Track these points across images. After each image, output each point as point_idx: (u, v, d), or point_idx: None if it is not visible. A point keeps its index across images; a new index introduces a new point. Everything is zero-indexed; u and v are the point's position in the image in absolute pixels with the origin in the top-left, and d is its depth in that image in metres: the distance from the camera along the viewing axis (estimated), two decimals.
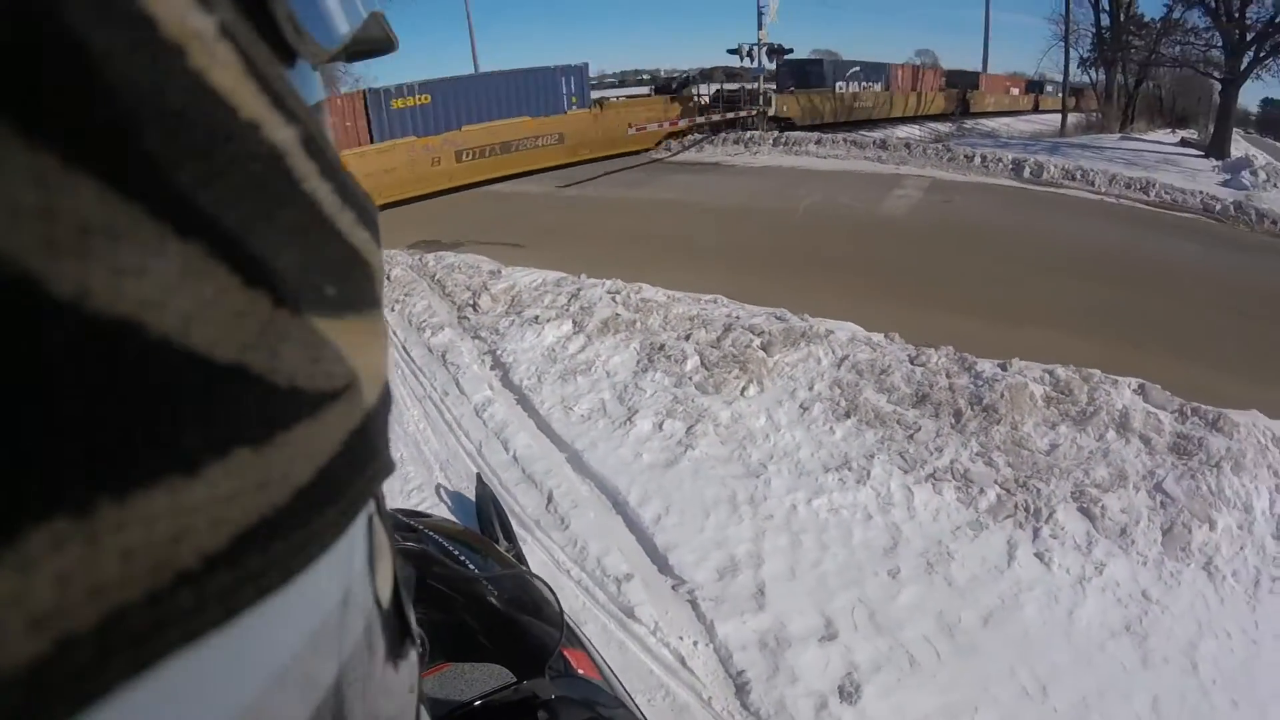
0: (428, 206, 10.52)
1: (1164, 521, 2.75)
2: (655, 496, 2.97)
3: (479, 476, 2.95)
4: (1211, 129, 17.88)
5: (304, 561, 0.17)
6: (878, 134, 17.12)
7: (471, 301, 5.15)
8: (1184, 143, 19.22)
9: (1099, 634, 2.34)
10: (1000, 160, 12.79)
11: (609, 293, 4.86)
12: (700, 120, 16.67)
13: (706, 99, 17.46)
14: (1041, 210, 9.62)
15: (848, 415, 3.50)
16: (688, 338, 4.23)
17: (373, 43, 0.30)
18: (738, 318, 4.45)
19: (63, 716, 0.11)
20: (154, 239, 0.12)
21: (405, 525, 1.24)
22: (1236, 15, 15.69)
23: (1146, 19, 20.53)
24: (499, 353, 4.34)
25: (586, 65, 14.68)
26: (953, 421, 3.39)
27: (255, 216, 0.15)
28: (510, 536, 2.44)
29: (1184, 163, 14.47)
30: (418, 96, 12.06)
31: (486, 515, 2.55)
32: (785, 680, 2.14)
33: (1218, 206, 10.25)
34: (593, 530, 2.80)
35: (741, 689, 2.14)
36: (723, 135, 16.17)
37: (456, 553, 1.18)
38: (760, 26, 16.97)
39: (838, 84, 20.95)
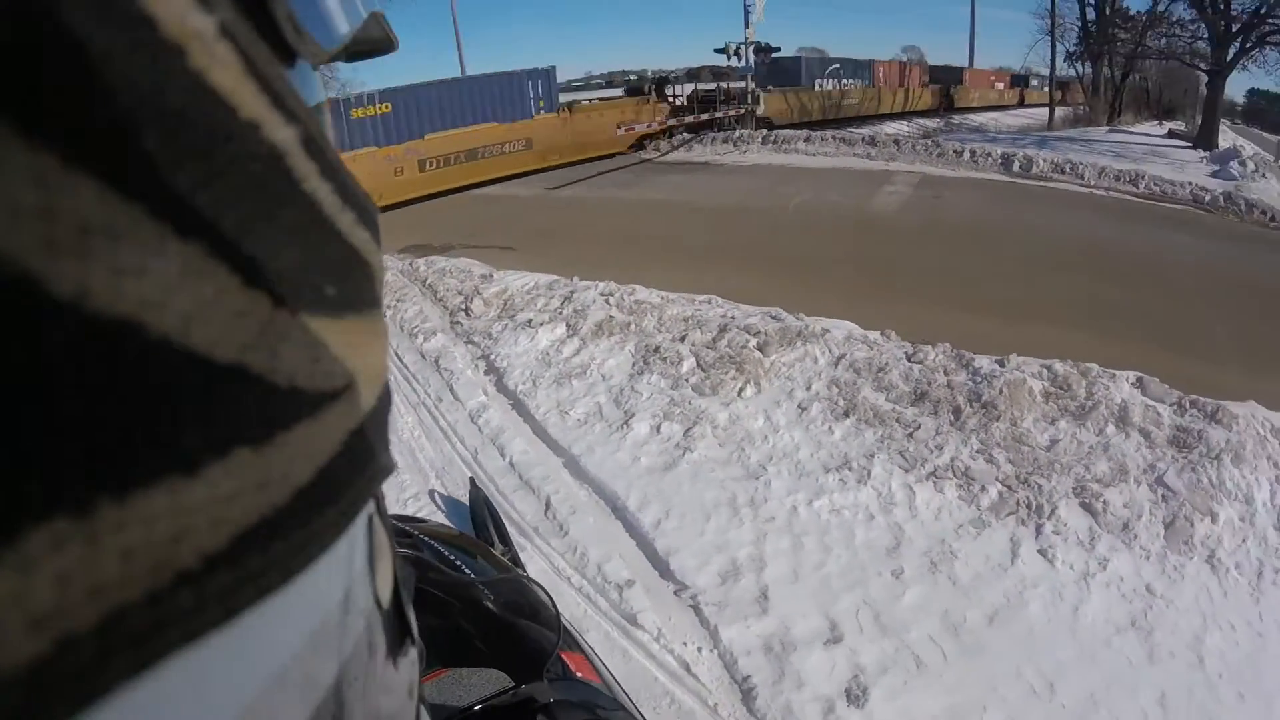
0: (415, 211, 10.48)
1: (1166, 515, 2.75)
2: (654, 500, 2.96)
3: (472, 480, 2.93)
4: (1199, 120, 18.04)
5: (304, 561, 0.17)
6: (866, 130, 17.17)
7: (464, 306, 5.12)
8: (1171, 134, 19.39)
9: (1104, 630, 2.34)
10: (989, 155, 12.86)
11: (602, 295, 4.85)
12: (674, 122, 16.40)
13: (681, 100, 17.26)
14: (1032, 204, 9.66)
15: (846, 415, 3.50)
16: (683, 339, 4.21)
17: (373, 43, 0.30)
18: (733, 318, 4.44)
19: (63, 716, 0.11)
20: (154, 239, 0.12)
21: (400, 531, 1.24)
22: (1222, 7, 15.86)
23: (1132, 12, 20.73)
24: (492, 357, 4.32)
25: (554, 69, 14.34)
26: (952, 419, 3.39)
27: (255, 216, 0.15)
28: (505, 540, 2.43)
29: (1172, 154, 14.59)
30: (378, 105, 11.70)
31: (481, 519, 2.54)
32: (791, 685, 2.13)
33: (1207, 197, 10.33)
34: (592, 536, 2.78)
35: (747, 695, 2.12)
36: (711, 135, 16.08)
37: (452, 558, 1.19)
38: (747, 25, 16.97)
39: (816, 81, 20.84)
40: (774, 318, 4.41)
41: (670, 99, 17.05)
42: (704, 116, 16.78)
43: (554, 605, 1.04)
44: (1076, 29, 23.14)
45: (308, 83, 0.22)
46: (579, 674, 1.00)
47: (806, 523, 2.82)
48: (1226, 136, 17.84)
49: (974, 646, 2.27)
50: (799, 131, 15.73)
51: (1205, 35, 16.91)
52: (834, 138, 14.78)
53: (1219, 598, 2.46)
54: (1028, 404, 3.39)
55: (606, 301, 4.73)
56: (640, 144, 15.45)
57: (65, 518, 0.11)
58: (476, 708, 0.86)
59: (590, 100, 17.53)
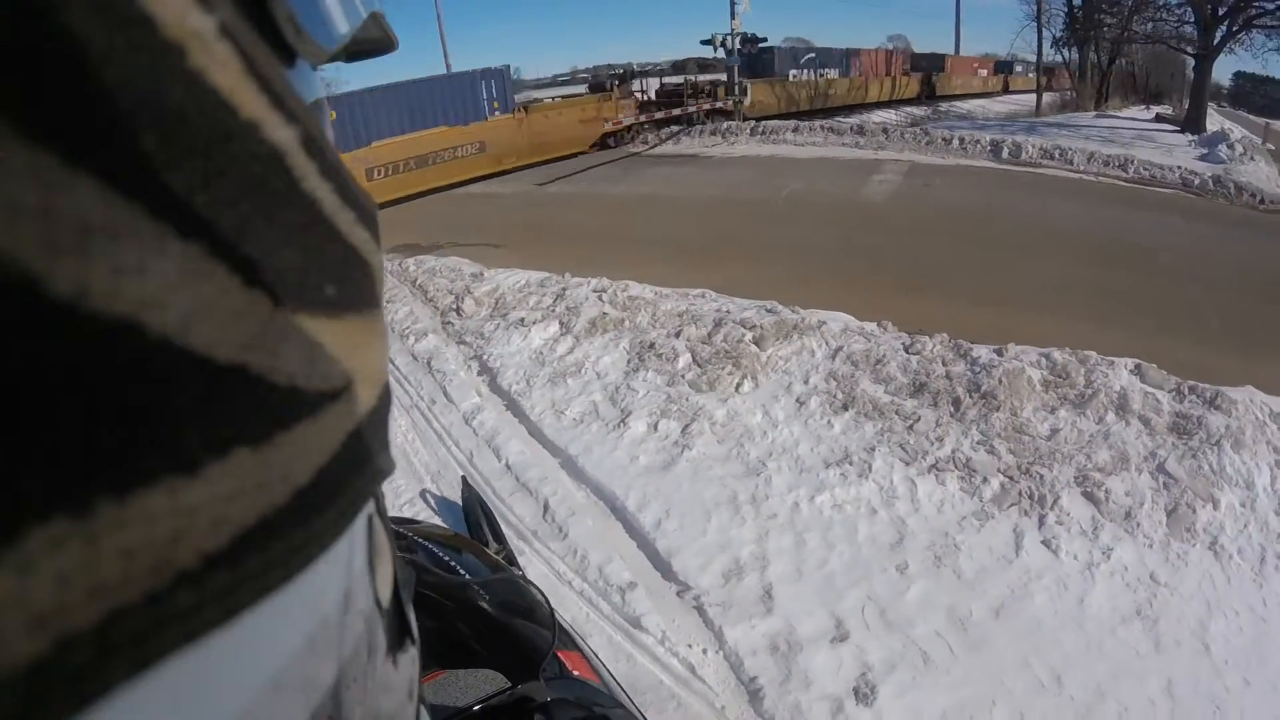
0: (403, 210, 10.41)
1: (1168, 502, 2.76)
2: (654, 500, 2.95)
3: (464, 479, 2.91)
4: (1186, 104, 18.16)
5: (304, 561, 0.17)
6: (854, 120, 17.18)
7: (455, 306, 5.09)
8: (1159, 118, 19.49)
9: (1110, 620, 2.34)
10: (978, 142, 12.88)
11: (595, 291, 4.83)
12: (644, 118, 15.94)
13: (646, 95, 16.87)
14: (1022, 191, 9.68)
15: (845, 408, 3.49)
16: (678, 335, 4.20)
17: (372, 43, 0.30)
18: (728, 312, 4.43)
19: (63, 716, 0.11)
20: (154, 239, 0.12)
21: (395, 533, 1.23)
22: None
23: None
24: (485, 357, 4.29)
25: (508, 67, 13.85)
26: (952, 410, 3.39)
27: (255, 216, 0.15)
28: (500, 538, 2.42)
29: (1160, 138, 14.67)
30: None
31: (474, 518, 2.53)
32: (799, 685, 2.12)
33: (1196, 181, 10.38)
34: (592, 538, 2.77)
35: (754, 696, 2.11)
36: (700, 127, 15.98)
37: (447, 559, 1.20)
38: (733, 16, 16.89)
39: (791, 72, 20.52)
40: (769, 311, 4.41)
41: (636, 94, 16.58)
42: (675, 112, 16.36)
43: (549, 604, 1.05)
44: (1063, 14, 23.23)
45: (308, 83, 0.22)
46: (576, 672, 1.00)
47: (808, 519, 2.82)
48: (1214, 120, 17.96)
49: (981, 640, 2.27)
50: (787, 122, 15.64)
51: (1192, 19, 16.99)
52: (822, 127, 14.77)
53: (1222, 584, 2.47)
54: (1027, 393, 3.40)
55: (599, 298, 4.71)
56: (604, 143, 14.91)
57: (65, 518, 0.11)
58: (476, 708, 0.86)
59: (554, 98, 17.01)
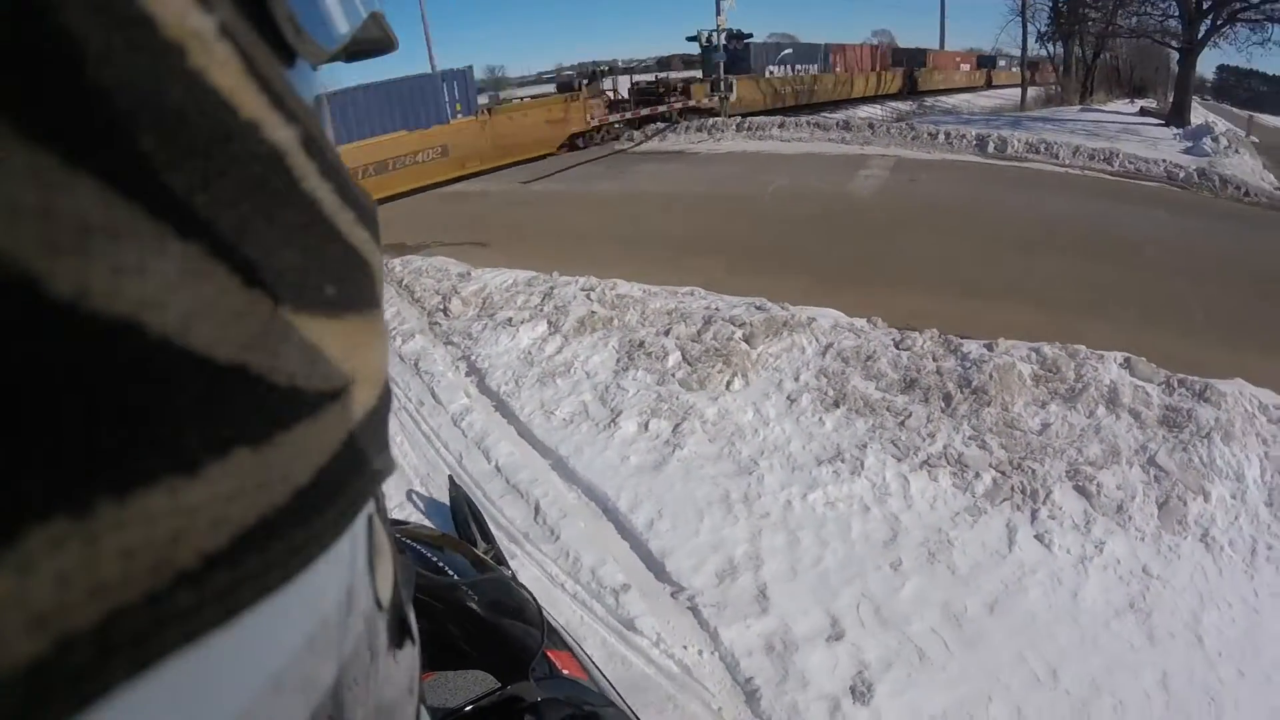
0: (387, 209, 10.37)
1: (1159, 495, 2.79)
2: (646, 500, 2.94)
3: (451, 479, 2.90)
4: (1170, 98, 18.37)
5: (304, 561, 0.17)
6: (840, 115, 17.20)
7: (442, 306, 5.07)
8: (1143, 112, 19.71)
9: (1104, 613, 2.36)
10: (964, 136, 12.97)
11: (583, 290, 4.82)
12: (615, 118, 15.64)
13: (618, 94, 16.56)
14: (1008, 185, 9.75)
15: (836, 405, 3.50)
16: (667, 333, 4.20)
17: (372, 43, 0.30)
18: (717, 309, 4.43)
19: (63, 716, 0.11)
20: (154, 239, 0.12)
21: None
22: None
23: None
24: (473, 358, 4.28)
25: (470, 68, 13.47)
26: (943, 405, 3.40)
27: (255, 216, 0.15)
28: (488, 538, 2.42)
29: (1145, 132, 14.81)
30: None
31: (462, 518, 2.53)
32: (795, 684, 2.12)
33: (1181, 174, 10.49)
34: (584, 540, 2.76)
35: (751, 697, 2.12)
36: (685, 124, 15.96)
37: (435, 559, 1.20)
38: (719, 12, 16.88)
39: (768, 69, 20.22)
40: (759, 308, 4.41)
41: (607, 93, 16.28)
42: (645, 111, 16.14)
43: (537, 603, 1.05)
44: (1048, 9, 23.44)
45: (308, 83, 0.22)
46: (565, 671, 1.01)
47: (802, 517, 2.82)
48: (1198, 113, 18.20)
49: (976, 636, 2.28)
50: (773, 118, 15.67)
51: (1176, 13, 17.18)
52: (808, 123, 14.82)
53: (1214, 576, 2.49)
54: (1018, 388, 3.42)
55: (588, 297, 4.70)
56: (573, 144, 14.56)
57: (65, 518, 0.11)
58: (465, 709, 0.87)
59: (522, 99, 16.72)
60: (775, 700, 2.09)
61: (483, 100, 15.60)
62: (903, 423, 3.31)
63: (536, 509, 2.95)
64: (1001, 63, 35.10)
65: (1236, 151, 12.29)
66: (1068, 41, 24.11)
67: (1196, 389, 3.24)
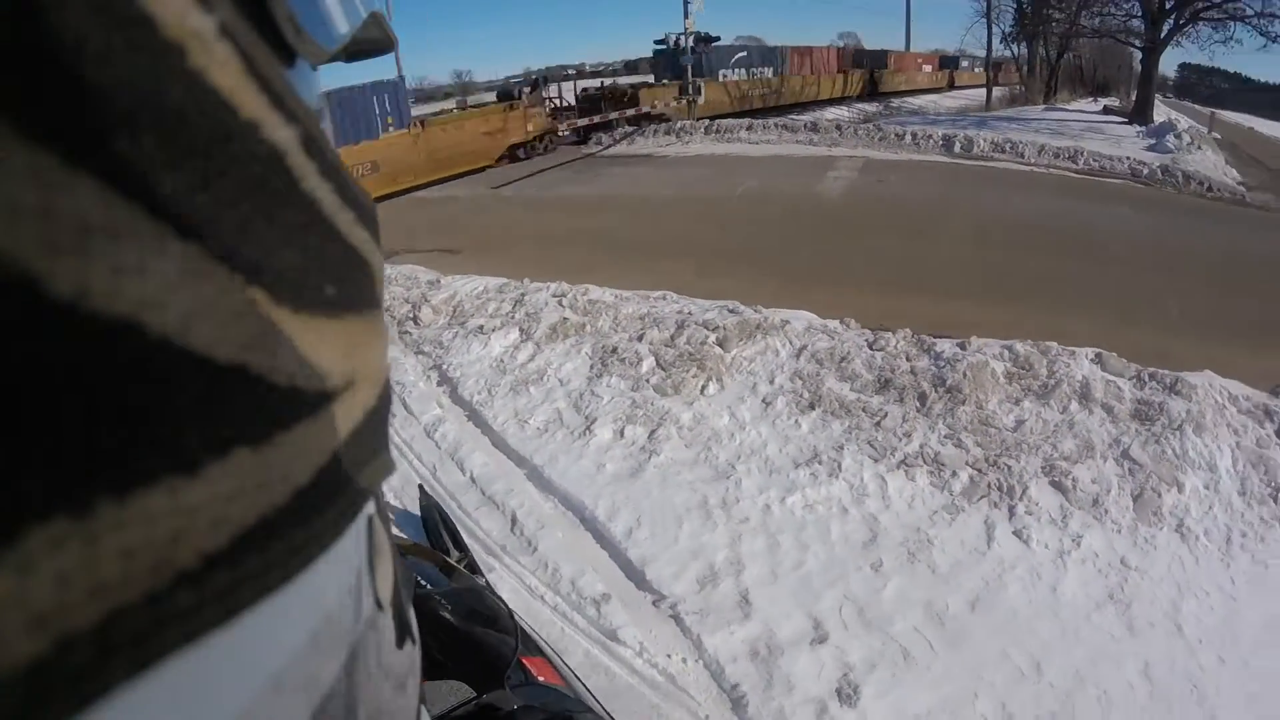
0: None
1: (1134, 488, 2.85)
2: (624, 508, 2.94)
3: (422, 488, 2.87)
4: (1133, 96, 18.84)
5: (304, 561, 0.17)
6: (808, 117, 17.37)
7: (411, 315, 5.03)
8: (1107, 110, 20.22)
9: (1084, 606, 2.41)
10: (930, 137, 13.21)
11: (554, 296, 4.80)
12: (562, 127, 15.31)
13: (562, 101, 16.26)
14: (976, 184, 9.92)
15: (812, 407, 3.53)
16: (640, 338, 4.20)
17: (372, 42, 0.31)
18: (690, 313, 4.44)
19: (63, 716, 0.11)
20: (154, 239, 0.12)
21: None
22: None
23: None
24: (445, 367, 4.25)
25: (402, 79, 12.99)
26: (918, 405, 3.44)
27: (255, 216, 0.15)
28: (461, 546, 2.40)
29: (1109, 130, 15.19)
30: None
31: (434, 526, 2.51)
32: (781, 689, 2.13)
33: (1145, 171, 10.76)
34: (563, 551, 2.75)
35: (738, 703, 2.12)
36: (652, 127, 15.97)
37: (409, 570, 1.19)
38: (687, 15, 16.99)
39: (721, 72, 19.97)
40: (732, 311, 4.43)
41: (550, 100, 15.86)
42: (596, 119, 15.94)
43: (510, 611, 1.05)
44: (1012, 10, 23.96)
45: (308, 83, 0.22)
46: (541, 678, 1.01)
47: (781, 521, 2.84)
48: (1161, 111, 18.69)
49: (959, 634, 2.31)
50: (741, 120, 15.78)
51: (1139, 13, 17.65)
52: (776, 125, 14.99)
53: (1191, 566, 2.55)
54: (991, 386, 3.47)
55: (559, 303, 4.69)
56: (513, 155, 14.02)
57: (65, 518, 0.11)
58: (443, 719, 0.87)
59: (459, 108, 16.01)
60: (762, 706, 2.09)
61: (450, 105, 15.29)
62: (878, 423, 3.34)
63: (513, 520, 2.93)
64: (964, 63, 35.67)
65: (1199, 148, 12.64)
66: (1032, 42, 24.68)
67: (1167, 382, 3.32)
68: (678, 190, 10.10)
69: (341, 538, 0.20)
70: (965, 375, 3.49)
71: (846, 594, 2.48)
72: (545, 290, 4.94)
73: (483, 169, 13.38)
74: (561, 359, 4.11)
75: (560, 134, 15.37)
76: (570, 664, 1.13)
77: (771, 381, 3.75)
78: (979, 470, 3.00)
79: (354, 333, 0.20)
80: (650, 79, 17.91)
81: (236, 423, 0.14)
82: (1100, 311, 5.00)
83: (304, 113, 0.17)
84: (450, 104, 15.40)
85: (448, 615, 1.07)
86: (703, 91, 17.36)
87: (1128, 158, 11.40)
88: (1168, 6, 16.64)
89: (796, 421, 3.44)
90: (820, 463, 3.13)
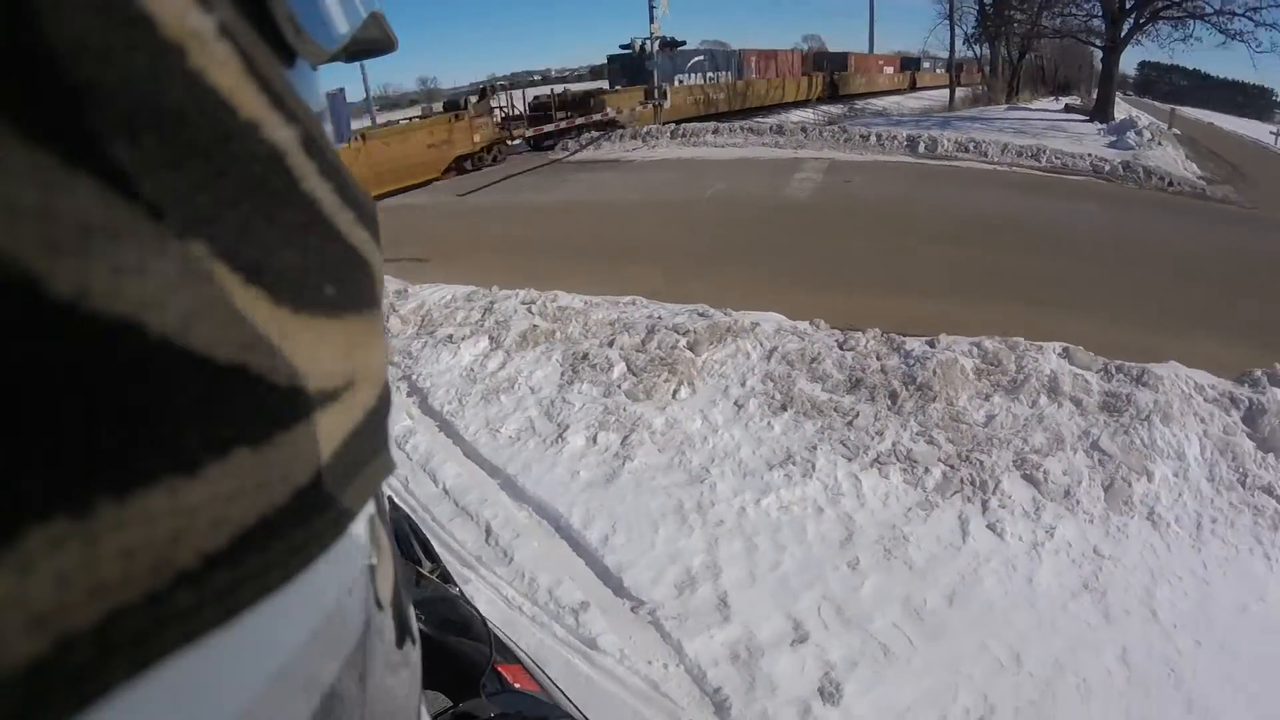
0: None
1: (1104, 478, 2.91)
2: (599, 515, 2.94)
3: (390, 499, 2.85)
4: (1094, 94, 19.31)
5: (304, 561, 0.17)
6: (773, 120, 17.53)
7: None
8: (1068, 109, 20.67)
9: (1060, 596, 2.46)
10: (895, 138, 13.42)
11: (524, 304, 4.80)
12: (513, 136, 15.06)
13: (513, 109, 15.72)
14: (940, 184, 10.09)
15: (784, 408, 3.56)
16: (611, 344, 4.21)
17: (372, 43, 0.31)
18: (660, 318, 4.46)
19: (63, 716, 0.11)
20: (154, 239, 0.12)
21: None
22: None
23: None
24: (414, 377, 4.22)
25: (342, 91, 12.67)
26: (889, 403, 3.49)
27: (255, 216, 0.15)
28: (432, 556, 2.38)
29: (1071, 128, 15.54)
30: None
31: (404, 536, 2.49)
32: (764, 691, 2.15)
33: (1107, 167, 11.02)
34: (539, 560, 2.74)
35: (721, 707, 2.13)
36: (619, 132, 15.97)
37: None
38: (652, 20, 17.04)
39: (678, 76, 19.85)
40: (701, 314, 4.46)
41: (499, 109, 15.28)
42: (547, 129, 15.64)
43: (483, 618, 1.05)
44: (974, 12, 24.43)
45: (308, 83, 0.22)
46: (517, 685, 1.00)
47: (756, 523, 2.86)
48: (1121, 108, 19.16)
49: (938, 629, 2.34)
50: (706, 124, 15.86)
51: (1100, 13, 18.11)
52: (742, 128, 15.11)
53: (1163, 552, 2.62)
54: (961, 382, 3.53)
55: (529, 310, 4.69)
56: (460, 167, 13.67)
57: (65, 518, 0.11)
58: None
59: (408, 119, 15.65)
60: (745, 708, 2.11)
61: (415, 113, 15.05)
62: (851, 422, 3.38)
63: (488, 531, 2.92)
64: (926, 65, 36.19)
65: (1159, 144, 12.99)
66: (994, 43, 25.16)
67: (1134, 374, 3.40)
68: (645, 194, 10.15)
69: (341, 538, 0.20)
70: (935, 373, 3.55)
71: (825, 593, 2.50)
72: (514, 297, 4.93)
73: (427, 183, 13.12)
74: (532, 366, 4.11)
75: (509, 144, 15.08)
76: (550, 673, 1.14)
77: (743, 384, 3.77)
78: (951, 466, 3.05)
79: (354, 333, 0.20)
80: (604, 85, 17.71)
81: (236, 423, 0.14)
82: (1068, 306, 5.12)
83: (304, 113, 0.17)
84: (415, 111, 15.10)
85: (421, 625, 1.06)
86: (669, 96, 17.38)
87: (1090, 155, 11.68)
88: (1128, 6, 17.12)
89: (769, 423, 3.47)
90: (794, 463, 3.16)
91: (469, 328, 4.62)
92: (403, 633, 0.31)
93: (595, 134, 15.95)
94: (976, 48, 26.70)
